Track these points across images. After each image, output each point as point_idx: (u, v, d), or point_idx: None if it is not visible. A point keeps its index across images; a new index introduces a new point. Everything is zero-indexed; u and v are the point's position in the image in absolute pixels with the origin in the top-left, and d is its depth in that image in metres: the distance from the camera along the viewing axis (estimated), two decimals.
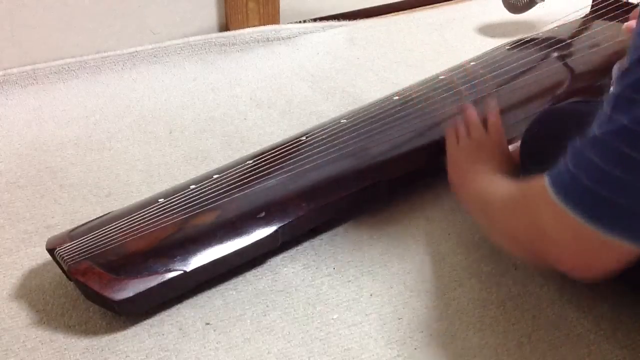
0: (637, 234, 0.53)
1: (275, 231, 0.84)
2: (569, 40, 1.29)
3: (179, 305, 0.80)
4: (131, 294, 0.74)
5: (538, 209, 0.61)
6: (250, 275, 0.85)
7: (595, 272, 0.60)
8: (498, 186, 0.76)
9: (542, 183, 0.60)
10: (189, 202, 0.85)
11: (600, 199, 0.53)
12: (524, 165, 0.85)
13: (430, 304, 0.80)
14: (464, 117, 0.94)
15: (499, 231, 0.73)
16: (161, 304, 0.79)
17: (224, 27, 1.48)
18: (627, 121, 0.52)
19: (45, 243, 0.83)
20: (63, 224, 0.92)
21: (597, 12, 1.41)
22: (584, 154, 0.56)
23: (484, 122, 0.93)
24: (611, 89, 0.57)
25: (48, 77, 1.28)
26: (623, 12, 1.37)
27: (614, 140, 0.53)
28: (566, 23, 1.38)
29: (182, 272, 0.77)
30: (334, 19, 1.58)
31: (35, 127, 1.16)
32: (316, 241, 0.90)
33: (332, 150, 0.95)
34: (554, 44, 1.26)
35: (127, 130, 1.16)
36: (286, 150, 0.96)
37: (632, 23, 0.94)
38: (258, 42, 1.45)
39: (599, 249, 0.56)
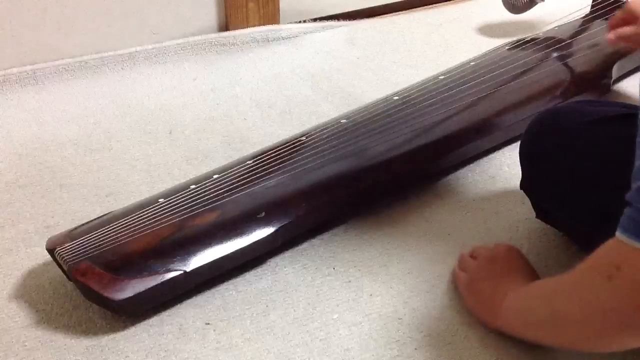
0: None
1: (275, 231, 0.84)
2: (569, 40, 1.29)
3: (179, 305, 0.80)
4: (131, 294, 0.74)
5: (625, 264, 0.54)
6: (250, 275, 0.85)
7: None
8: (551, 282, 0.67)
9: (616, 238, 0.55)
10: (189, 202, 0.85)
11: None
12: (522, 165, 0.85)
13: (430, 304, 0.80)
14: (462, 257, 0.85)
15: (580, 328, 0.62)
16: (161, 304, 0.79)
17: (224, 27, 1.48)
18: None
19: (45, 243, 0.83)
20: (63, 224, 0.92)
21: (597, 12, 1.41)
22: None
23: None
24: None
25: (48, 77, 1.28)
26: None
27: None
28: (566, 23, 1.38)
29: (182, 272, 0.77)
30: (334, 19, 1.58)
31: (35, 127, 1.16)
32: (316, 241, 0.90)
33: (331, 150, 0.95)
34: (554, 44, 1.26)
35: (127, 130, 1.16)
36: (286, 151, 0.96)
37: (611, 35, 0.95)
38: (258, 42, 1.45)
39: None
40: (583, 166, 0.75)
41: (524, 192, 0.86)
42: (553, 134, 0.80)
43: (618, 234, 0.54)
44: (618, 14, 0.96)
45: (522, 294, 0.71)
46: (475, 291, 0.79)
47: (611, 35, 0.94)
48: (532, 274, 0.79)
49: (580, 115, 0.80)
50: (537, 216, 0.86)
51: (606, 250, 0.57)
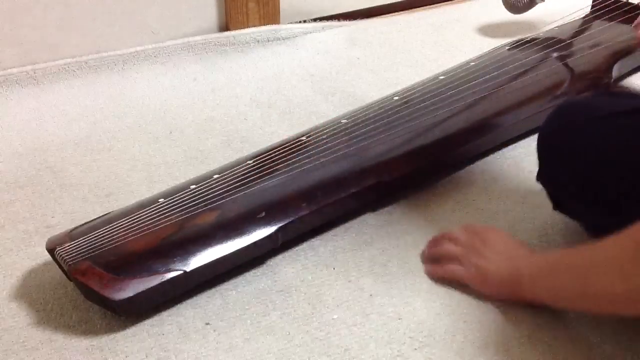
0: None
1: (275, 231, 0.84)
2: (569, 40, 1.29)
3: (179, 305, 0.80)
4: (131, 294, 0.74)
5: None
6: (250, 275, 0.85)
7: None
8: (580, 253, 0.68)
9: None
10: (189, 202, 0.85)
11: None
12: (541, 156, 0.84)
13: (430, 304, 0.80)
14: (441, 244, 0.85)
15: (623, 295, 0.61)
16: (161, 304, 0.79)
17: (224, 27, 1.48)
18: None
19: (45, 243, 0.83)
20: (63, 224, 0.92)
21: (597, 12, 1.41)
22: None
23: None
24: None
25: (48, 77, 1.28)
26: (623, 12, 1.37)
27: None
28: (566, 23, 1.38)
29: (182, 272, 0.77)
30: (334, 19, 1.58)
31: (35, 127, 1.16)
32: (316, 241, 0.90)
33: (332, 150, 0.95)
34: (554, 44, 1.26)
35: (127, 130, 1.16)
36: (286, 151, 0.96)
37: None
38: (258, 42, 1.45)
39: None
40: (603, 157, 0.75)
41: (541, 184, 0.84)
42: (574, 125, 0.80)
43: None
44: None
45: (546, 270, 0.72)
46: (489, 281, 0.78)
47: None
48: (515, 239, 0.82)
49: (601, 107, 0.80)
50: (554, 208, 0.85)
51: None
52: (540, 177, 0.85)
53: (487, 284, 0.79)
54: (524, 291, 0.75)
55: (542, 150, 0.84)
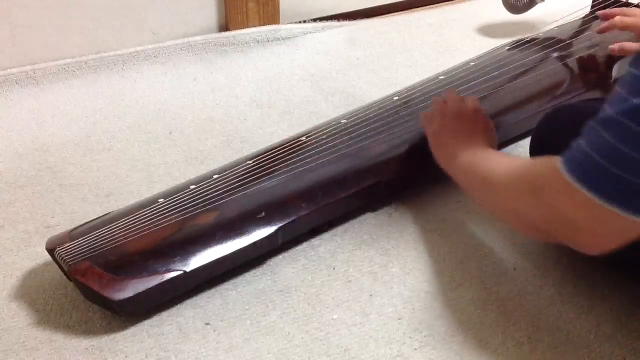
0: None
1: (275, 231, 0.84)
2: (569, 40, 1.29)
3: (179, 305, 0.80)
4: (131, 294, 0.74)
5: (551, 190, 0.61)
6: (250, 275, 0.85)
7: (607, 247, 0.61)
8: (496, 162, 0.76)
9: (554, 164, 0.60)
10: (189, 202, 0.85)
11: (615, 177, 0.55)
12: None
13: (430, 304, 0.80)
14: (436, 99, 0.97)
15: (501, 208, 0.74)
16: (161, 304, 0.79)
17: (224, 27, 1.48)
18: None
19: (45, 243, 0.83)
20: (63, 224, 0.92)
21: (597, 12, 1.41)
22: (598, 133, 0.56)
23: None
24: (630, 71, 0.59)
25: (48, 77, 1.28)
26: None
27: (629, 120, 0.54)
28: (566, 23, 1.38)
29: (182, 272, 0.77)
30: (334, 19, 1.58)
31: (35, 127, 1.16)
32: (316, 241, 0.90)
33: (332, 150, 0.95)
34: (554, 44, 1.26)
35: (127, 130, 1.16)
36: (286, 151, 0.96)
37: (615, 46, 1.07)
38: (258, 42, 1.45)
39: (614, 226, 0.57)
40: None
41: None
42: (565, 130, 0.80)
43: (558, 158, 0.60)
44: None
45: (475, 160, 0.80)
46: (440, 144, 0.90)
47: (615, 47, 1.06)
48: (490, 136, 0.90)
49: (592, 111, 0.80)
50: None
51: (545, 169, 0.63)
52: None
53: (433, 146, 0.91)
54: (451, 170, 0.86)
55: (535, 155, 0.84)
